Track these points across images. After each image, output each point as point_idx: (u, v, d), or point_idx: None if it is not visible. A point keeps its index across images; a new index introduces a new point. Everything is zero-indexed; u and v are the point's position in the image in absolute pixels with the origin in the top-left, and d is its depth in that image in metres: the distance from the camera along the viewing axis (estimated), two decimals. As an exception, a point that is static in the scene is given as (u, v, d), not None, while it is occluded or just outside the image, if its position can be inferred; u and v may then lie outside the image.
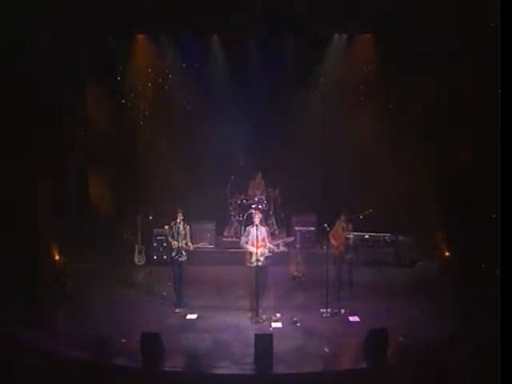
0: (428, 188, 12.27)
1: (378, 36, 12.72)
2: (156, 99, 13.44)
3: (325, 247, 9.97)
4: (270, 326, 9.03)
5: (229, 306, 9.95)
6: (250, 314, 9.38)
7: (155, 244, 12.63)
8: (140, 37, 13.02)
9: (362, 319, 9.30)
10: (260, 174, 13.33)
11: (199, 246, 10.23)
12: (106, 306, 9.87)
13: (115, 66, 13.01)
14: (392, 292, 10.52)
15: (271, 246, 9.49)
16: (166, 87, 13.46)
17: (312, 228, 12.80)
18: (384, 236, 12.73)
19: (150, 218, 12.98)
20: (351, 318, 9.37)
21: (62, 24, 11.18)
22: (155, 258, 12.63)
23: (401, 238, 12.73)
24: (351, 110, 13.32)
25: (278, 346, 7.78)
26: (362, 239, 12.58)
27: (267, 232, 9.69)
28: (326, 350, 8.11)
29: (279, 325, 9.07)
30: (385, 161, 12.60)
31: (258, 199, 12.90)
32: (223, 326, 9.02)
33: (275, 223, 13.26)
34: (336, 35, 13.05)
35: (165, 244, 12.12)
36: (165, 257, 12.22)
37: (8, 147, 10.49)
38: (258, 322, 9.16)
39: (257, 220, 9.53)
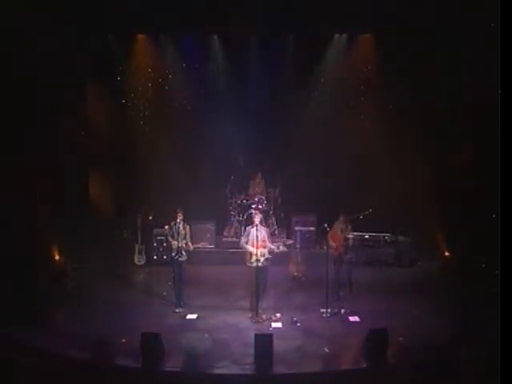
0: (428, 188, 12.28)
1: (378, 36, 12.72)
2: (156, 99, 13.44)
3: (325, 247, 9.97)
4: (270, 325, 9.03)
5: (229, 306, 9.95)
6: (250, 314, 9.38)
7: (155, 244, 12.64)
8: (140, 37, 13.03)
9: (361, 319, 9.30)
10: (260, 174, 13.34)
11: (199, 245, 10.24)
12: (106, 306, 9.86)
13: (115, 66, 13.01)
14: (392, 292, 10.52)
15: (271, 246, 9.48)
16: (166, 87, 13.48)
17: (312, 228, 12.80)
18: (384, 236, 12.74)
19: (150, 218, 13.02)
20: (351, 318, 9.37)
21: (62, 24, 11.17)
22: (155, 257, 12.64)
23: (401, 238, 12.73)
24: (351, 110, 13.33)
25: (278, 346, 7.78)
26: (362, 239, 12.59)
27: (267, 233, 9.68)
28: (326, 350, 8.11)
29: (279, 325, 9.07)
30: (385, 161, 12.59)
31: (258, 199, 12.91)
32: (223, 326, 9.02)
33: (275, 223, 13.26)
34: (336, 35, 13.05)
35: (165, 244, 12.13)
36: (165, 257, 12.22)
37: (8, 147, 10.48)
38: (258, 321, 9.16)
39: (257, 220, 9.52)
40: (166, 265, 10.93)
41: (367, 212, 10.75)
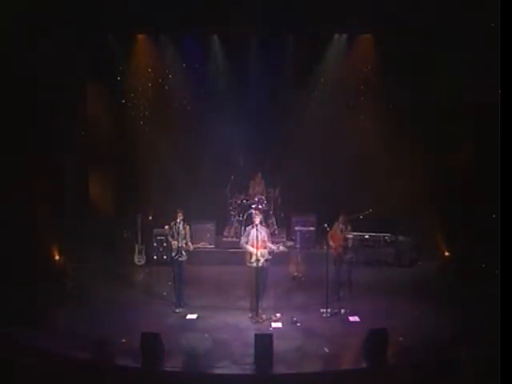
0: (428, 188, 12.28)
1: (378, 36, 12.72)
2: (156, 99, 13.44)
3: (325, 247, 9.97)
4: (270, 325, 9.03)
5: (229, 306, 9.95)
6: (250, 314, 9.38)
7: (155, 244, 12.64)
8: (140, 37, 13.02)
9: (361, 319, 9.30)
10: (260, 174, 13.34)
11: (199, 245, 10.23)
12: (106, 306, 9.87)
13: (115, 66, 13.00)
14: (392, 292, 10.52)
15: (272, 246, 9.47)
16: (166, 87, 13.47)
17: (312, 228, 12.80)
18: (384, 236, 12.74)
19: (150, 218, 13.02)
20: (351, 318, 9.37)
21: (62, 24, 11.17)
22: (155, 257, 12.64)
23: (401, 238, 12.73)
24: (351, 110, 13.33)
25: (278, 346, 7.79)
26: (362, 239, 12.60)
27: (267, 233, 9.68)
28: (326, 350, 8.11)
29: (279, 325, 9.07)
30: (385, 161, 12.60)
31: (258, 199, 12.91)
32: (223, 326, 9.02)
33: (275, 223, 13.27)
34: (336, 35, 13.05)
35: (165, 244, 12.13)
36: (165, 257, 12.23)
37: (8, 147, 10.49)
38: (258, 322, 9.16)
39: (257, 220, 9.52)
40: (166, 265, 10.93)
41: (367, 212, 10.75)
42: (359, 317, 9.39)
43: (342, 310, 9.60)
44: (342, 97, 13.31)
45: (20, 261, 10.19)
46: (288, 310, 9.60)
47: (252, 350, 7.63)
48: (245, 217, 12.53)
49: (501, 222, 6.72)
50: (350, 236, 10.37)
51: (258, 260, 9.22)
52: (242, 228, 11.72)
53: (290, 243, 9.84)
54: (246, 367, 7.56)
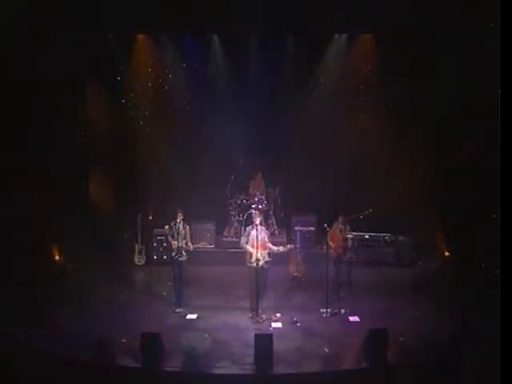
0: (428, 188, 12.28)
1: (378, 36, 12.72)
2: (156, 99, 13.43)
3: (324, 247, 9.97)
4: (270, 325, 9.03)
5: (229, 306, 9.95)
6: (250, 314, 9.38)
7: (155, 244, 12.64)
8: (140, 37, 13.02)
9: (361, 319, 9.29)
10: (260, 174, 13.33)
11: (199, 245, 10.22)
12: (106, 306, 9.87)
13: (115, 66, 13.00)
14: (392, 292, 10.52)
15: (272, 246, 9.46)
16: (166, 87, 13.47)
17: (312, 228, 12.81)
18: (384, 236, 12.73)
19: (150, 218, 13.02)
20: (351, 318, 9.36)
21: (62, 24, 11.17)
22: (155, 258, 12.64)
23: (401, 238, 12.73)
24: (351, 110, 13.33)
25: (278, 346, 7.78)
26: (362, 239, 12.61)
27: (267, 234, 9.66)
28: (326, 350, 8.11)
29: (279, 325, 9.07)
30: (385, 161, 12.60)
31: (258, 199, 12.91)
32: (223, 326, 9.02)
33: (275, 223, 13.26)
34: (336, 35, 13.05)
35: (165, 244, 12.13)
36: (165, 257, 12.23)
37: (8, 147, 10.49)
38: (258, 322, 9.15)
39: (257, 220, 9.52)
40: (166, 265, 10.93)
41: (367, 212, 10.74)
42: (359, 317, 9.39)
43: (342, 310, 9.60)
44: (342, 97, 13.31)
45: (20, 261, 10.19)
46: (288, 309, 9.60)
47: (252, 350, 7.63)
48: (245, 217, 12.53)
49: (501, 222, 6.73)
50: (350, 236, 10.36)
51: (257, 260, 9.22)
52: (242, 228, 11.72)
53: (290, 246, 9.81)
54: (246, 367, 7.55)
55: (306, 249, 12.16)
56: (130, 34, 12.83)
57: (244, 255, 9.54)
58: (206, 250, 12.73)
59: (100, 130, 13.02)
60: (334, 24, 12.17)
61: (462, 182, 11.67)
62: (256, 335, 7.75)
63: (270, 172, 13.40)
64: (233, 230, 13.12)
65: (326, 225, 10.04)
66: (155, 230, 12.54)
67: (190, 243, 9.87)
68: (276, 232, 13.07)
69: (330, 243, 9.99)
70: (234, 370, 7.54)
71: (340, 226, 10.23)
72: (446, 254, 12.38)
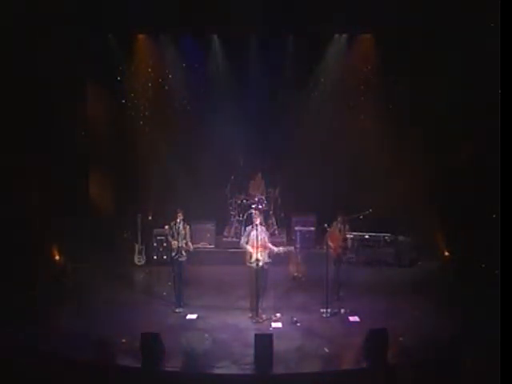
0: (428, 188, 12.28)
1: (378, 36, 12.73)
2: (156, 99, 13.44)
3: (324, 247, 9.97)
4: (270, 325, 9.03)
5: (229, 306, 9.95)
6: (250, 314, 9.38)
7: (155, 244, 12.64)
8: (140, 37, 13.03)
9: (361, 319, 9.29)
10: (260, 174, 13.34)
11: (199, 245, 10.21)
12: (106, 306, 9.86)
13: (115, 66, 13.00)
14: (392, 292, 10.51)
15: (272, 246, 9.46)
16: (166, 87, 13.47)
17: (312, 228, 12.81)
18: (384, 236, 12.74)
19: (150, 218, 13.02)
20: (351, 318, 9.36)
21: (62, 24, 11.17)
22: (155, 258, 12.64)
23: (401, 238, 12.73)
24: (351, 110, 13.33)
25: (278, 346, 7.79)
26: (362, 239, 12.62)
27: (267, 235, 9.65)
28: (326, 350, 8.11)
29: (279, 325, 9.07)
30: (385, 161, 12.60)
31: (258, 199, 12.91)
32: (223, 326, 9.02)
33: (275, 223, 13.26)
34: (336, 35, 13.06)
35: (165, 244, 12.14)
36: (165, 257, 12.23)
37: (8, 147, 10.49)
38: (258, 322, 9.15)
39: (257, 220, 9.51)
40: (166, 265, 10.94)
41: (367, 212, 10.74)
42: (359, 317, 9.38)
43: (342, 310, 9.60)
44: (342, 97, 13.32)
45: (20, 261, 10.19)
46: (288, 310, 9.60)
47: (252, 350, 7.63)
48: (245, 217, 12.53)
49: (501, 222, 6.73)
50: (350, 236, 10.35)
51: (257, 260, 9.22)
52: (242, 228, 11.72)
53: (290, 248, 9.80)
54: (246, 367, 7.55)
55: (306, 249, 12.16)
56: (130, 34, 12.84)
57: (244, 255, 9.54)
58: (206, 249, 12.73)
59: (100, 130, 13.02)
60: (334, 24, 12.18)
61: (461, 181, 11.67)
62: (256, 335, 7.75)
63: (270, 172, 13.41)
64: (233, 230, 13.12)
65: (326, 225, 10.05)
66: (155, 230, 12.54)
67: (190, 243, 9.87)
68: (276, 232, 13.07)
69: (330, 243, 9.99)
70: (234, 370, 7.53)
71: (339, 225, 10.23)
72: (446, 254, 12.38)
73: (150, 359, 7.62)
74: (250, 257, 9.32)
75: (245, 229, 10.09)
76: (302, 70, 13.06)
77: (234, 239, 12.46)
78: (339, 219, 10.25)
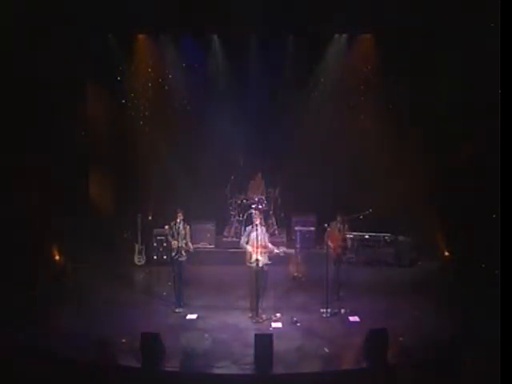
0: (428, 188, 12.28)
1: (378, 36, 12.73)
2: (156, 99, 13.44)
3: (324, 247, 9.97)
4: (270, 325, 9.03)
5: (229, 306, 9.95)
6: (250, 314, 9.38)
7: (155, 244, 12.64)
8: (140, 37, 13.04)
9: (361, 319, 9.29)
10: (260, 174, 13.35)
11: (199, 246, 10.21)
12: (106, 306, 9.86)
13: (115, 65, 13.01)
14: (392, 292, 10.51)
15: (273, 247, 9.46)
16: (166, 87, 13.48)
17: (312, 228, 12.82)
18: (384, 236, 12.74)
19: (150, 218, 13.02)
20: (351, 318, 9.36)
21: (62, 24, 11.17)
22: (155, 258, 12.64)
23: (401, 238, 12.74)
24: (351, 110, 13.33)
25: (278, 346, 7.78)
26: (362, 239, 12.62)
27: (266, 236, 9.66)
28: (326, 350, 8.11)
29: (279, 325, 9.06)
30: (385, 161, 12.60)
31: (258, 199, 12.92)
32: (223, 326, 9.01)
33: (275, 223, 13.26)
34: (336, 35, 13.07)
35: (165, 244, 12.14)
36: (165, 257, 12.23)
37: (8, 147, 10.49)
38: (258, 322, 9.15)
39: (257, 220, 9.51)
40: (166, 265, 10.94)
41: (367, 212, 10.74)
42: (359, 317, 9.38)
43: (342, 310, 9.60)
44: (342, 97, 13.32)
45: (20, 261, 10.19)
46: (288, 310, 9.60)
47: (252, 350, 7.62)
48: (245, 217, 12.53)
49: (501, 221, 6.73)
50: (350, 236, 10.35)
51: (257, 260, 9.22)
52: (242, 228, 11.72)
53: (290, 250, 9.78)
54: (246, 367, 7.55)
55: (306, 249, 12.15)
56: (130, 34, 12.84)
57: (244, 255, 9.54)
58: (206, 249, 12.73)
59: (100, 130, 13.02)
60: (334, 24, 12.18)
61: (462, 181, 11.67)
62: (256, 335, 7.75)
63: (270, 172, 13.41)
64: (233, 230, 13.12)
65: (326, 225, 10.06)
66: (155, 230, 12.55)
67: (190, 243, 9.87)
68: (276, 232, 13.08)
69: (329, 243, 9.99)
70: (234, 370, 7.53)
71: (338, 225, 10.23)
72: (446, 253, 12.38)
73: (150, 359, 7.62)
74: (250, 257, 9.32)
75: (245, 229, 10.10)
76: (302, 70, 13.07)
77: (234, 239, 12.46)
78: (338, 219, 10.25)
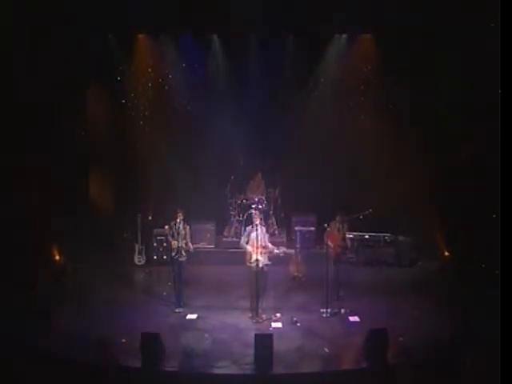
0: (428, 188, 12.28)
1: (378, 36, 12.73)
2: (156, 99, 13.44)
3: (324, 247, 9.97)
4: (270, 325, 9.03)
5: (229, 305, 9.95)
6: (250, 314, 9.38)
7: (155, 244, 12.64)
8: (140, 37, 13.04)
9: (361, 319, 9.29)
10: (260, 174, 13.35)
11: (199, 246, 10.21)
12: (106, 306, 9.86)
13: (115, 65, 13.01)
14: (392, 292, 10.52)
15: (273, 247, 9.45)
16: (166, 87, 13.48)
17: (312, 228, 12.83)
18: (384, 236, 12.74)
19: (150, 218, 13.02)
20: (351, 318, 9.36)
21: (62, 24, 11.17)
22: (155, 257, 12.64)
23: (401, 238, 12.74)
24: (351, 110, 13.34)
25: (278, 346, 7.78)
26: (362, 239, 12.62)
27: (267, 236, 9.65)
28: (326, 350, 8.11)
29: (279, 325, 9.06)
30: (385, 161, 12.61)
31: (258, 199, 12.92)
32: (223, 326, 9.01)
33: (275, 223, 13.26)
34: (336, 35, 13.07)
35: (165, 244, 12.14)
36: (165, 257, 12.24)
37: (8, 147, 10.49)
38: (258, 322, 9.15)
39: (257, 220, 9.51)
40: (166, 265, 10.94)
41: (367, 212, 10.74)
42: (359, 317, 9.38)
43: (342, 310, 9.60)
44: (342, 97, 13.32)
45: (20, 261, 10.19)
46: (288, 310, 9.60)
47: (252, 350, 7.62)
48: (245, 217, 12.54)
49: (501, 221, 6.73)
50: (350, 236, 10.35)
51: (257, 260, 9.22)
52: (242, 228, 11.72)
53: (290, 250, 9.77)
54: (246, 367, 7.55)
55: (306, 249, 12.15)
56: (130, 34, 12.84)
57: (244, 255, 9.54)
58: (206, 249, 12.72)
59: (100, 130, 13.02)
60: (334, 24, 12.18)
61: (462, 181, 11.67)
62: (256, 335, 7.75)
63: (270, 172, 13.42)
64: (233, 230, 13.13)
65: (326, 225, 10.05)
66: (155, 230, 12.55)
67: (190, 243, 9.87)
68: (276, 232, 13.07)
69: (329, 243, 9.99)
70: (234, 370, 7.53)
71: (338, 225, 10.23)
72: (446, 253, 12.38)
73: (150, 359, 7.62)
74: (250, 257, 9.32)
75: (245, 229, 10.10)
76: (302, 70, 13.07)
77: (234, 239, 12.46)
78: (338, 219, 10.25)
